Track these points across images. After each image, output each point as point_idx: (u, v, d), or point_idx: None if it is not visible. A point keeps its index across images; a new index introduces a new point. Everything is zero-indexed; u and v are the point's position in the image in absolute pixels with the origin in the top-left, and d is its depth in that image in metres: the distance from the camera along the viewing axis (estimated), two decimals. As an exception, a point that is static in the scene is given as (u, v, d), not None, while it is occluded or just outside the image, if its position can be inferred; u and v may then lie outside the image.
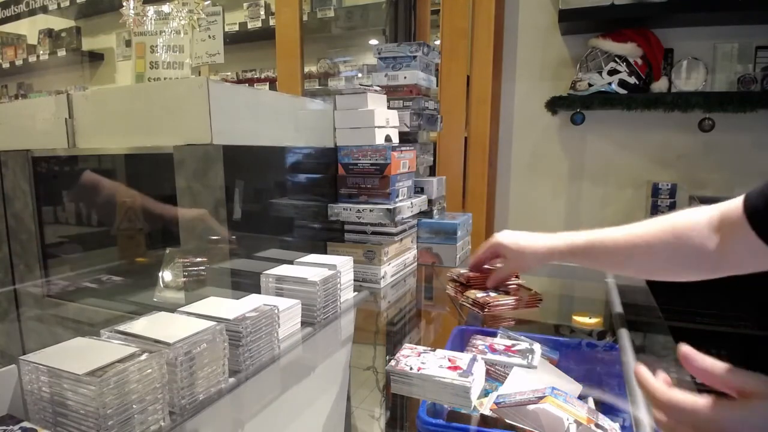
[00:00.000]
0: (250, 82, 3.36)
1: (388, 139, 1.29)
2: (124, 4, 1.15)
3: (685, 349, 0.53)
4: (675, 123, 2.21)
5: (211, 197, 0.93)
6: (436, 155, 1.97)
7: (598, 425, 0.61)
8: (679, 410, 0.50)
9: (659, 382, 0.54)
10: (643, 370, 0.56)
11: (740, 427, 0.47)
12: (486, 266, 1.11)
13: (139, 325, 0.66)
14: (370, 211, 1.22)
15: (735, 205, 0.69)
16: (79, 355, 0.56)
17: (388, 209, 1.20)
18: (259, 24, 3.13)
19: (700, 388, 0.54)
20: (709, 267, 0.74)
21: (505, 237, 1.01)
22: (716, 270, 0.73)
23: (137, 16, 1.15)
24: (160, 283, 1.09)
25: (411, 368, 0.71)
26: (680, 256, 0.75)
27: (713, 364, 0.51)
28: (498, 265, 1.08)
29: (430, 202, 1.46)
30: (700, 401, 0.49)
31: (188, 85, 0.91)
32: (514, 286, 1.08)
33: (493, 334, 0.87)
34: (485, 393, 0.73)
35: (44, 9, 3.76)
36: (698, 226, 0.73)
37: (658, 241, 0.77)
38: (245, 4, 3.14)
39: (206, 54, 1.35)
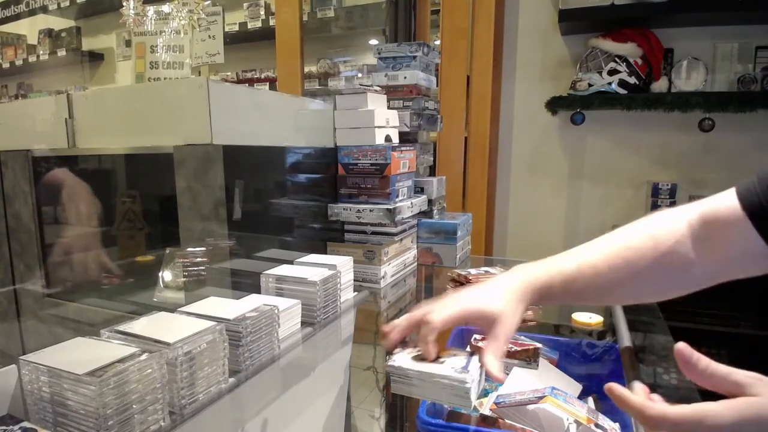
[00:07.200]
0: (250, 82, 3.36)
1: (388, 139, 1.29)
2: (124, 4, 1.15)
3: (681, 347, 0.49)
4: (675, 123, 2.21)
5: (211, 197, 0.93)
6: (436, 155, 1.97)
7: (598, 425, 0.61)
8: (666, 422, 0.46)
9: (640, 397, 0.49)
10: (618, 388, 0.50)
11: None
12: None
13: (139, 325, 0.66)
14: (370, 211, 1.22)
15: (724, 205, 0.60)
16: (79, 355, 0.56)
17: (388, 209, 1.20)
18: (259, 24, 3.13)
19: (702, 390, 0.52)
20: (699, 280, 0.63)
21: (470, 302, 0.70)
22: (708, 281, 0.63)
23: (137, 16, 1.15)
24: (160, 283, 1.09)
25: (411, 368, 0.70)
26: (668, 275, 0.63)
27: (708, 365, 0.48)
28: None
29: (430, 202, 1.46)
30: (685, 411, 0.45)
31: (188, 85, 0.91)
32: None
33: (493, 334, 0.87)
34: (485, 393, 0.73)
35: (44, 9, 3.76)
36: (682, 236, 0.62)
37: (644, 267, 0.63)
38: (245, 4, 3.15)
39: (206, 54, 1.35)
